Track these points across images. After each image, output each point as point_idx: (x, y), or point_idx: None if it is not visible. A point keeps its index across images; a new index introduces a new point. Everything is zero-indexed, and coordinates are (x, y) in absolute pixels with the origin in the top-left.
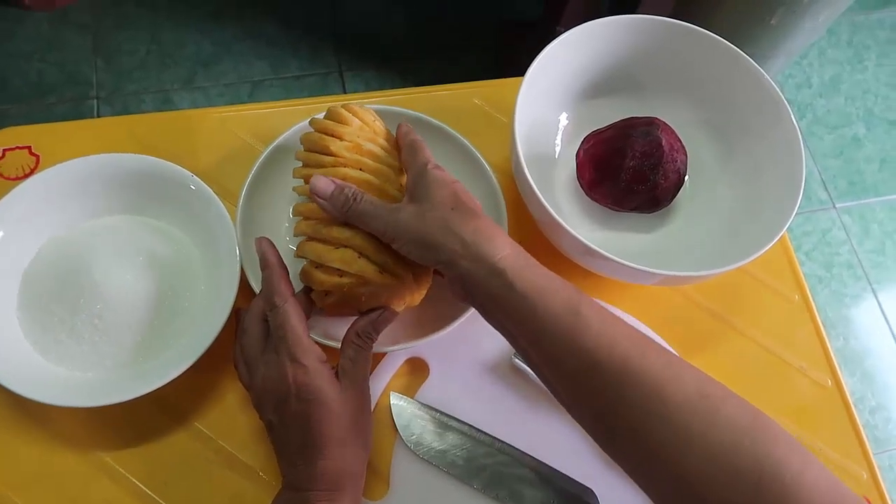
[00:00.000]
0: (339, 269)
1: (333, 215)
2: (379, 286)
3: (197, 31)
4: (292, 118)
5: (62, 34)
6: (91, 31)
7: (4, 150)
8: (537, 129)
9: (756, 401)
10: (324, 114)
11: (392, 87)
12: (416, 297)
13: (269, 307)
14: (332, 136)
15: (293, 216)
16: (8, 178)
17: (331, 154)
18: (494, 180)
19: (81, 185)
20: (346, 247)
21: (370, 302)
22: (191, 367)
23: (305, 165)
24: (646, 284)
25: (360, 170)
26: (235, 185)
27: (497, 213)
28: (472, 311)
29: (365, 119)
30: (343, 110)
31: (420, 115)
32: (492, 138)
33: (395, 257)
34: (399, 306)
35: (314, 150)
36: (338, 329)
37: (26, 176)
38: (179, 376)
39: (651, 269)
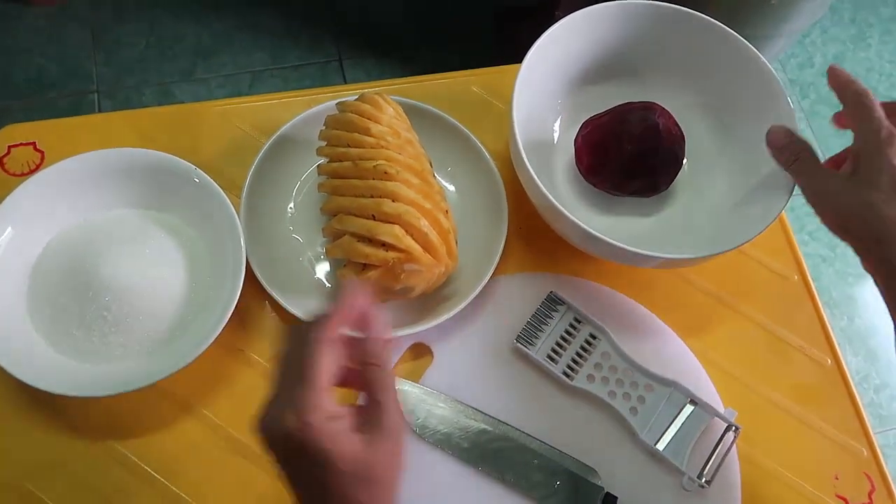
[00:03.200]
0: (386, 244)
1: (779, 161)
2: (422, 264)
3: (196, 22)
4: (293, 109)
5: (61, 28)
6: (90, 25)
7: (9, 147)
8: (535, 115)
9: (756, 380)
10: (354, 98)
11: (392, 76)
12: (440, 280)
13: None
14: (371, 119)
15: (321, 192)
16: (13, 174)
17: (372, 136)
18: (494, 167)
19: (87, 180)
20: (394, 223)
21: (406, 280)
22: (199, 356)
23: (332, 145)
24: (646, 268)
25: (401, 154)
26: (239, 177)
27: (497, 199)
28: (475, 295)
29: (396, 108)
30: (378, 97)
31: (418, 103)
32: (491, 126)
33: (431, 240)
34: (421, 289)
35: (351, 131)
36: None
37: (31, 172)
38: (188, 366)
39: (650, 253)
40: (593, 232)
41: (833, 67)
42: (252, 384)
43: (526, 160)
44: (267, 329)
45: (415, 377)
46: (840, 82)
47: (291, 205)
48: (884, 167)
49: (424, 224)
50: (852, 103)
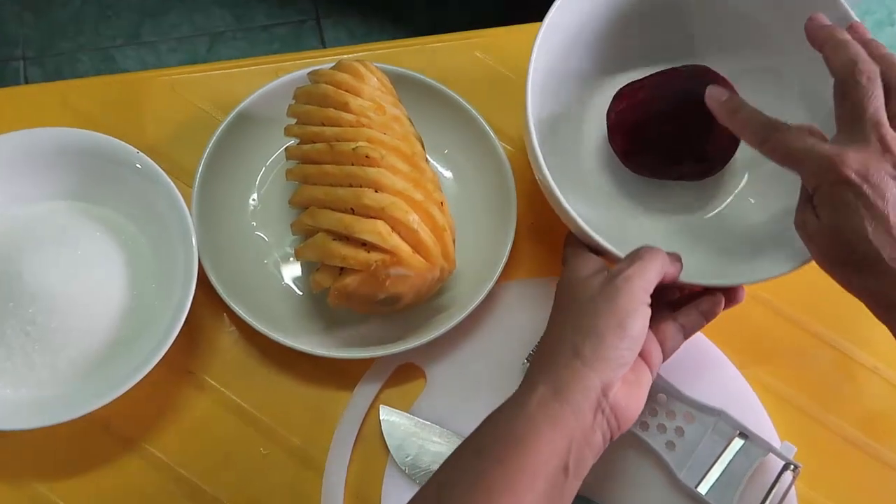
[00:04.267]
0: (367, 243)
1: (749, 139)
2: (411, 268)
3: None
4: (257, 80)
5: None
6: None
7: None
8: (557, 84)
9: (820, 408)
10: (331, 66)
11: (380, 39)
12: (434, 288)
13: None
14: (349, 92)
15: (289, 180)
16: None
17: (351, 112)
18: (501, 151)
19: (8, 166)
20: (376, 218)
21: (392, 288)
22: (143, 379)
23: (303, 123)
24: None
25: (385, 134)
26: (191, 163)
27: (504, 190)
28: (477, 306)
29: (381, 78)
30: (359, 65)
31: (410, 72)
32: (500, 100)
33: (423, 239)
34: (410, 298)
35: (326, 106)
36: (337, 332)
37: None
38: (128, 392)
39: (706, 283)
40: (611, 249)
41: (814, 19)
42: (206, 414)
43: (537, 147)
44: (224, 347)
45: (403, 405)
46: (812, 27)
47: (254, 196)
48: (867, 128)
49: (414, 219)
50: (833, 46)
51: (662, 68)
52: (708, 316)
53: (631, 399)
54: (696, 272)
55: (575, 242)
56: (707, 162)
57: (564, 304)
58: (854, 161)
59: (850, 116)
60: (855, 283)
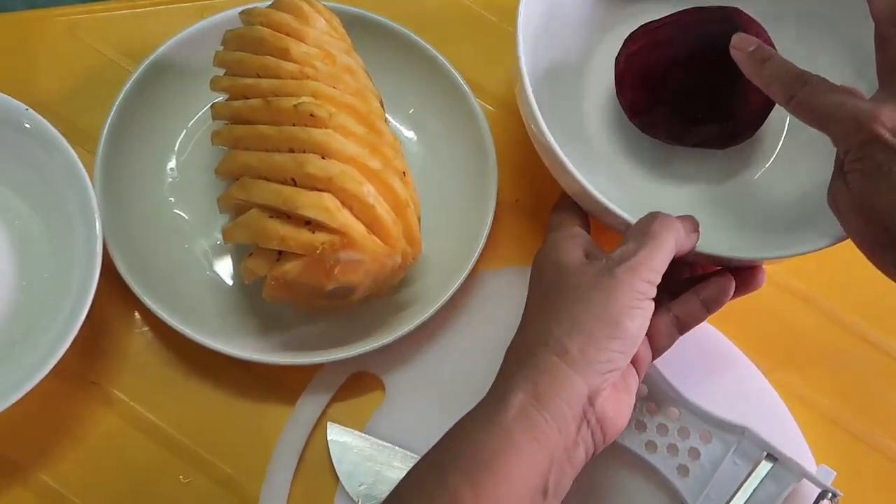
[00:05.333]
0: (311, 222)
1: (776, 95)
2: (366, 252)
3: None
4: (178, 20)
5: None
6: None
7: None
8: (556, 28)
9: (865, 425)
10: (268, 3)
11: None
12: (395, 277)
13: None
14: (290, 35)
15: (216, 144)
16: None
17: (292, 60)
18: (477, 109)
19: None
20: (323, 191)
21: (342, 277)
22: (32, 390)
23: (233, 75)
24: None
25: (335, 88)
26: (93, 123)
27: (481, 157)
28: (445, 302)
29: (330, 20)
30: (303, 2)
31: (366, 12)
32: (477, 46)
33: (380, 216)
34: (366, 289)
35: (262, 54)
36: (275, 333)
37: None
38: (15, 405)
39: (732, 255)
40: (622, 214)
41: None
42: (113, 434)
43: (531, 98)
44: (135, 352)
45: (357, 423)
46: None
47: (173, 165)
48: None
49: (369, 191)
50: None
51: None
52: (711, 306)
53: (619, 407)
54: (716, 244)
55: (568, 208)
56: (733, 123)
57: (548, 290)
58: (889, 118)
59: (890, 68)
60: (893, 266)
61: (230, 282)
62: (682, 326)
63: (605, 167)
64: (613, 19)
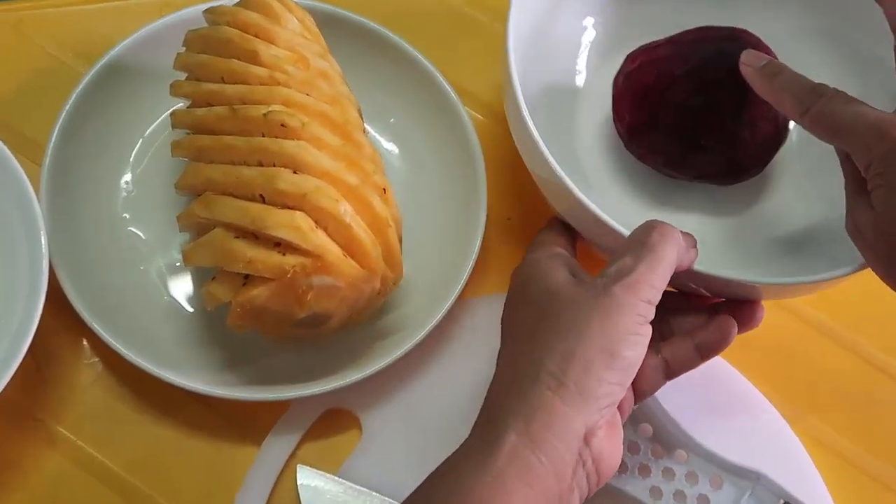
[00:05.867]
0: (282, 243)
1: (789, 110)
2: (342, 277)
3: None
4: (136, 18)
5: None
6: None
7: None
8: (548, 41)
9: (893, 470)
10: (233, 1)
11: None
12: (374, 304)
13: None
14: (259, 36)
15: (176, 156)
16: None
17: (262, 64)
18: (467, 120)
19: None
20: (295, 208)
21: (316, 304)
22: None
23: (196, 79)
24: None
25: (308, 95)
26: (40, 132)
27: (470, 172)
28: (429, 331)
29: (303, 19)
30: (274, 0)
31: (344, 11)
32: (468, 53)
33: (358, 237)
34: (341, 318)
35: (229, 56)
36: (241, 365)
37: None
38: None
39: (740, 278)
40: (620, 229)
41: None
42: (58, 476)
43: (525, 113)
44: (84, 386)
45: (330, 465)
46: None
47: (128, 178)
48: None
49: (346, 210)
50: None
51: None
52: (707, 352)
53: (613, 445)
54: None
55: (554, 228)
56: (739, 150)
57: (535, 315)
58: None
59: None
60: None
61: (190, 308)
62: (671, 373)
63: (597, 196)
64: (611, 41)
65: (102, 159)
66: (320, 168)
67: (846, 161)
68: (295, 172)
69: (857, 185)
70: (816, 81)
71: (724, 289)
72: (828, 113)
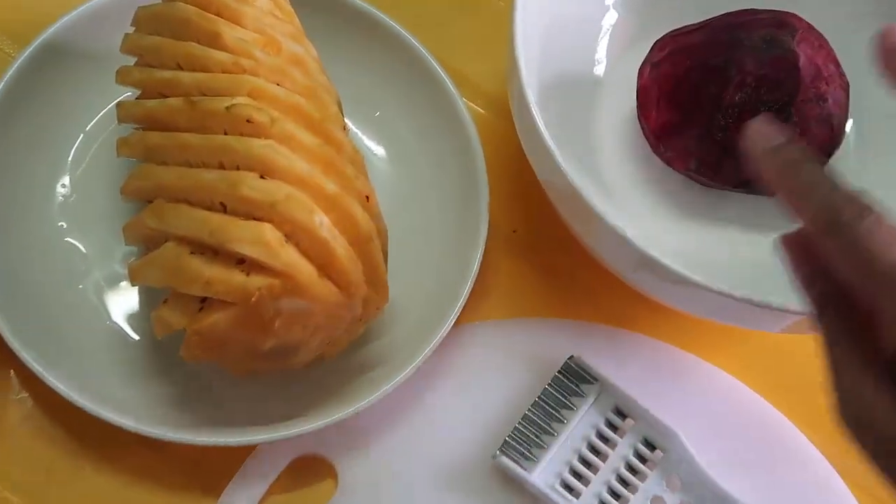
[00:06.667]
0: (246, 260)
1: (811, 225)
2: (315, 300)
3: None
4: None
5: None
6: None
7: None
8: (562, 22)
9: None
10: None
11: None
12: (354, 333)
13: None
14: (221, 16)
15: (122, 156)
16: None
17: (224, 48)
18: (465, 115)
19: None
20: (262, 220)
21: (285, 332)
22: None
23: (147, 65)
24: (768, 331)
25: (279, 85)
26: None
27: (469, 176)
28: (417, 364)
29: None
30: None
31: None
32: (468, 37)
33: (336, 253)
34: (315, 349)
35: (187, 39)
36: (198, 404)
37: None
38: None
39: (783, 305)
40: (662, 260)
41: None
42: None
43: (534, 108)
44: (11, 426)
45: None
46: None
47: (65, 180)
48: None
49: (323, 222)
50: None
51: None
52: None
53: None
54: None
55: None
56: None
57: None
58: None
59: None
60: None
61: (137, 335)
62: None
63: (617, 206)
64: (637, 25)
65: (36, 158)
66: (293, 172)
67: (834, 312)
68: (262, 177)
69: (865, 356)
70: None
71: (761, 316)
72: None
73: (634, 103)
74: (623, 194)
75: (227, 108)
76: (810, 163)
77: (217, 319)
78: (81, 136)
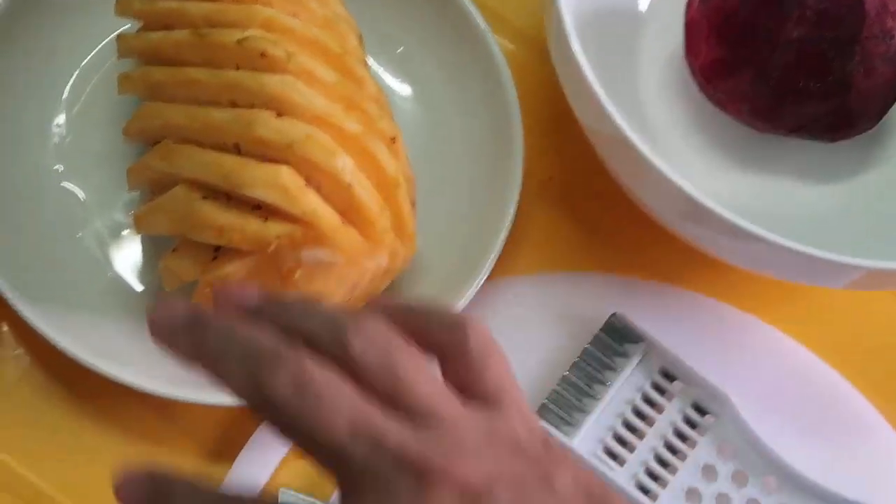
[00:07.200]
0: (262, 206)
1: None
2: (338, 250)
3: None
4: None
5: None
6: None
7: None
8: None
9: None
10: None
11: None
12: (381, 285)
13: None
14: None
15: (123, 93)
16: None
17: None
18: (496, 52)
19: None
20: (279, 162)
21: (305, 284)
22: None
23: None
24: (830, 287)
25: (295, 16)
26: None
27: (501, 118)
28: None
29: None
30: None
31: None
32: None
33: (360, 199)
34: (342, 303)
35: None
36: None
37: None
38: None
39: (845, 259)
40: (716, 208)
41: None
42: None
43: (575, 43)
44: (7, 384)
45: (321, 490)
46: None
47: (60, 120)
48: None
49: (346, 165)
50: None
51: None
52: None
53: None
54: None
55: None
56: (849, 96)
57: None
58: None
59: None
60: None
61: (140, 286)
62: None
63: (663, 152)
64: None
65: (28, 95)
66: (311, 111)
67: None
68: (279, 116)
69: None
70: None
71: (822, 270)
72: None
73: (680, 40)
74: (668, 138)
75: (239, 41)
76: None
77: (232, 270)
78: (77, 71)
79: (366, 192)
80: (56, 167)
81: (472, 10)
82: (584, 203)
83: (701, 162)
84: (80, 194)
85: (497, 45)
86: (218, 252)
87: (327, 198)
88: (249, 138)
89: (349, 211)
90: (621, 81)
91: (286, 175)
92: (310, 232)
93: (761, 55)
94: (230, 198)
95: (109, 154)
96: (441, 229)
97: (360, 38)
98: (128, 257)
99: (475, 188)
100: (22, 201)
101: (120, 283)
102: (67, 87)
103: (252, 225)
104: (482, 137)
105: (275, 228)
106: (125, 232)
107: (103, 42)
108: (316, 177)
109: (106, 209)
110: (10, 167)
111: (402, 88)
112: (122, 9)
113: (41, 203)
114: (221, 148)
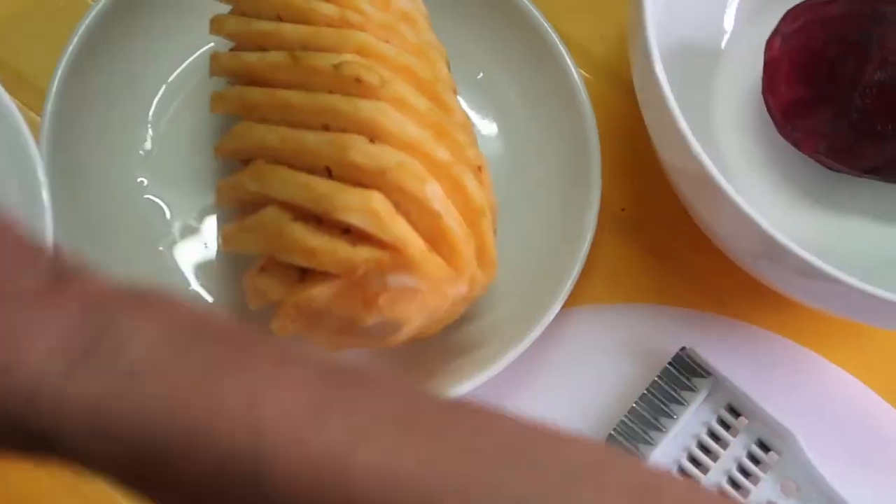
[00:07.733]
0: (352, 230)
1: None
2: (423, 277)
3: None
4: None
5: None
6: None
7: None
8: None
9: None
10: None
11: None
12: (457, 312)
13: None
14: None
15: (216, 112)
16: None
17: (330, 1)
18: (579, 83)
19: None
20: (370, 187)
21: (389, 309)
22: None
23: (244, 14)
24: None
25: (388, 42)
26: (40, 73)
27: (580, 148)
28: (524, 349)
29: None
30: None
31: None
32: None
33: (448, 228)
34: (417, 327)
35: None
36: None
37: None
38: None
39: None
40: (793, 247)
41: None
42: None
43: (661, 77)
44: None
45: None
46: None
47: (149, 135)
48: None
49: (436, 193)
50: None
51: None
52: None
53: None
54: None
55: None
56: None
57: None
58: None
59: None
60: None
61: (220, 302)
62: None
63: (735, 185)
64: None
65: (116, 108)
66: (403, 138)
67: None
68: (372, 142)
69: None
70: None
71: (889, 313)
72: None
73: (757, 78)
74: (740, 175)
75: (335, 65)
76: None
77: (318, 292)
78: (164, 87)
79: (453, 221)
80: (141, 180)
81: (555, 38)
82: (656, 235)
83: (772, 199)
84: (166, 208)
85: (578, 75)
86: (304, 274)
87: (415, 224)
88: (343, 163)
89: (436, 238)
90: (698, 116)
91: (378, 201)
92: (397, 258)
93: (841, 97)
94: (320, 221)
95: (194, 169)
96: (517, 255)
97: (448, 63)
98: (208, 272)
99: (552, 216)
100: (107, 210)
101: (199, 298)
102: (155, 103)
103: (342, 249)
104: (560, 165)
105: (364, 253)
106: (206, 246)
107: (191, 58)
108: (405, 203)
109: (190, 224)
110: (100, 182)
111: (482, 114)
112: (217, 28)
113: (125, 215)
114: (312, 171)
